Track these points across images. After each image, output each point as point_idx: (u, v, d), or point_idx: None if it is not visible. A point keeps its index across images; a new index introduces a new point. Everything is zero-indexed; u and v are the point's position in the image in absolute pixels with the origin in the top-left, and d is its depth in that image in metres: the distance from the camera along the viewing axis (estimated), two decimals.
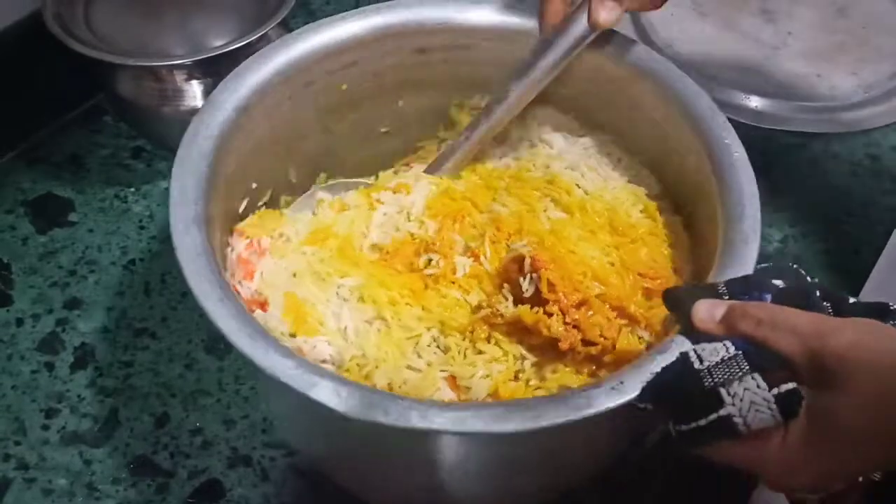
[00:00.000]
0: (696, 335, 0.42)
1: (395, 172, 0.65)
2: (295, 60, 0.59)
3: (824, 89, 0.87)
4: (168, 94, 0.73)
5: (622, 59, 0.59)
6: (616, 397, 0.42)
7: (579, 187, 0.60)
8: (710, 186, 0.53)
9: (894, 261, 0.69)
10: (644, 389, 0.42)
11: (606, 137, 0.63)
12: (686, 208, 0.59)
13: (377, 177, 0.65)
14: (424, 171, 0.62)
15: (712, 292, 0.43)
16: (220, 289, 0.46)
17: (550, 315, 0.51)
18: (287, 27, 0.75)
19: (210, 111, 0.55)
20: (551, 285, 0.51)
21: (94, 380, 0.65)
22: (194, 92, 0.73)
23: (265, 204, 0.61)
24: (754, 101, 0.86)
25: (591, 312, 0.51)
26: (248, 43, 0.70)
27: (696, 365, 0.40)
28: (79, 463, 0.61)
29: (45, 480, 0.60)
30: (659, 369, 0.42)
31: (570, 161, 0.61)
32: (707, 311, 0.42)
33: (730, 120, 0.81)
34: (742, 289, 0.43)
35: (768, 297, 0.42)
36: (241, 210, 0.59)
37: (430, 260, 0.56)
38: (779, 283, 0.43)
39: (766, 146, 0.83)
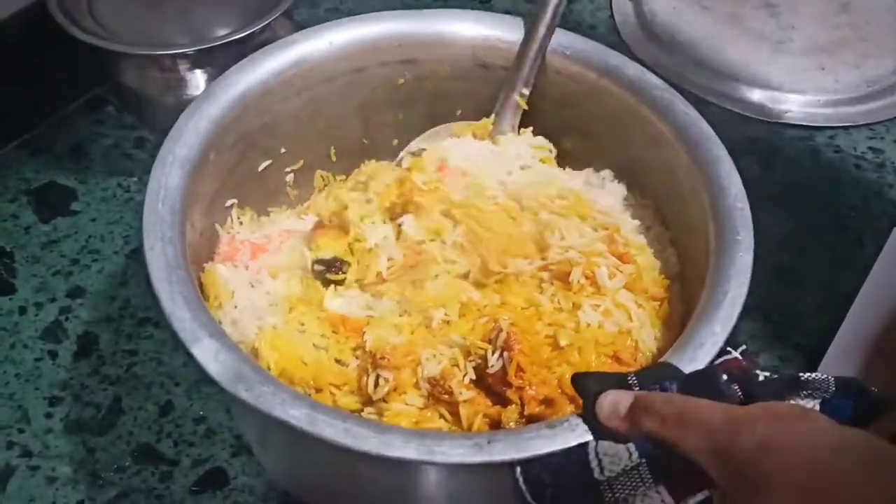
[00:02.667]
0: (598, 428, 0.40)
1: None
2: (349, 43, 0.60)
3: (828, 83, 0.87)
4: (171, 84, 0.73)
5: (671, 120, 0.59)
6: (474, 454, 0.41)
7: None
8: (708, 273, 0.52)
9: None
10: (527, 472, 0.40)
11: (645, 201, 0.63)
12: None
13: None
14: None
15: (621, 381, 0.41)
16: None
17: (507, 404, 0.49)
18: (290, 17, 0.75)
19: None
20: (520, 370, 0.49)
21: (98, 368, 0.65)
22: (197, 81, 0.73)
23: (296, 171, 0.63)
24: (757, 94, 0.87)
25: (552, 411, 0.49)
26: (252, 33, 0.70)
27: (597, 474, 0.38)
28: (82, 451, 0.61)
29: (48, 468, 0.60)
30: (546, 452, 0.40)
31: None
32: (611, 406, 0.40)
33: (733, 113, 0.82)
34: (650, 377, 0.41)
35: (673, 386, 0.40)
36: (260, 169, 0.61)
37: (378, 378, 0.51)
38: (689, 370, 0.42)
39: (769, 139, 0.83)
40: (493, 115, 0.64)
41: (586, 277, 0.55)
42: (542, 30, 0.61)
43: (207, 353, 0.43)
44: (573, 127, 0.64)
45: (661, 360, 0.47)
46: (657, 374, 0.42)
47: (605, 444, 0.39)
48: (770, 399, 0.38)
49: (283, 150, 0.62)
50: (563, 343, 0.50)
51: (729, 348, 0.49)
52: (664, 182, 0.60)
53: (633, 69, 0.61)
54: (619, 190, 0.63)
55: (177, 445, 0.61)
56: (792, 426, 0.33)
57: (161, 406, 0.63)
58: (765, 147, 0.82)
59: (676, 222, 0.61)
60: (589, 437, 0.40)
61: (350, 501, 0.55)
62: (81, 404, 0.63)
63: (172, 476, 0.60)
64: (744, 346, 0.49)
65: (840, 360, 0.66)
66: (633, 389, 0.41)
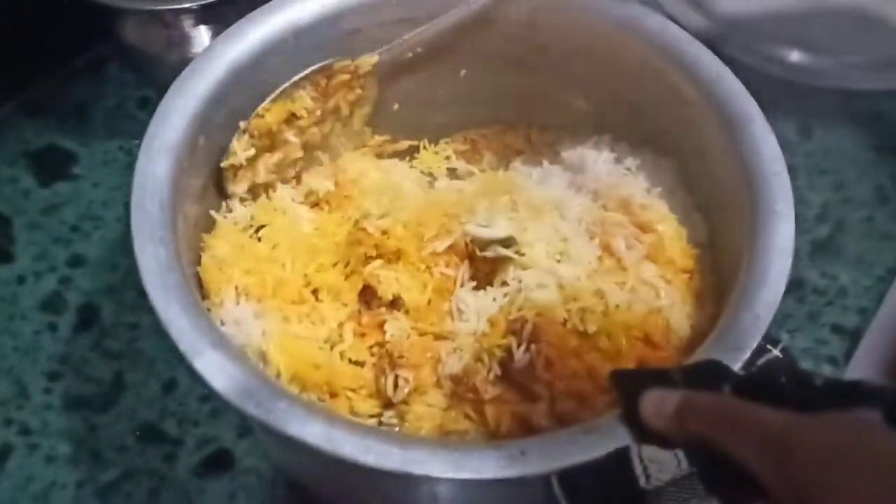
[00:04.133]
0: (640, 430, 0.37)
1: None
2: (345, 4, 0.56)
3: (873, 44, 0.82)
4: (175, 41, 0.69)
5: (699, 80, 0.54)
6: (506, 468, 0.38)
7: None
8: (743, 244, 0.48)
9: None
10: (564, 479, 0.37)
11: (667, 163, 0.58)
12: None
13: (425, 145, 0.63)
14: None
15: (665, 379, 0.38)
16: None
17: (536, 399, 0.46)
18: None
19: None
20: (549, 363, 0.46)
21: (99, 342, 0.63)
22: (202, 38, 0.69)
23: None
24: (795, 55, 0.82)
25: (583, 406, 0.46)
26: None
27: (643, 483, 0.35)
28: (83, 429, 0.59)
29: (48, 447, 0.58)
30: (586, 459, 0.37)
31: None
32: (656, 405, 0.37)
33: (768, 75, 0.78)
34: (699, 376, 0.38)
35: (726, 387, 0.37)
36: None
37: (397, 378, 0.48)
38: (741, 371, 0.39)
39: (806, 105, 0.78)
40: None
41: (603, 249, 0.52)
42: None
43: (212, 367, 0.40)
44: (585, 84, 0.60)
45: (701, 348, 0.44)
46: (705, 372, 0.38)
47: (651, 450, 0.36)
48: (829, 406, 0.35)
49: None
50: (591, 329, 0.47)
51: (768, 346, 0.46)
52: (688, 143, 0.56)
53: (653, 20, 0.56)
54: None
55: (181, 424, 0.59)
56: (853, 436, 0.31)
57: (164, 383, 0.61)
58: (802, 113, 0.78)
59: (703, 187, 0.56)
60: (629, 441, 0.37)
61: (364, 499, 0.53)
62: (82, 379, 0.61)
63: (176, 456, 0.58)
64: (783, 344, 0.45)
65: (879, 342, 0.63)
66: (678, 388, 0.37)
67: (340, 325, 0.50)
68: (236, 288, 0.50)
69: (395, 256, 0.51)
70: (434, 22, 0.57)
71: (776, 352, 0.45)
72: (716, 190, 0.54)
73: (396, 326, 0.49)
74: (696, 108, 0.54)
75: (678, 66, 0.54)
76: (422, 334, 0.49)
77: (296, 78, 0.56)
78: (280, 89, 0.55)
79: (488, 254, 0.50)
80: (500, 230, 0.50)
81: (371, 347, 0.49)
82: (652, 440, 0.37)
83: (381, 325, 0.49)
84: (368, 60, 0.57)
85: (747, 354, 0.42)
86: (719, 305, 0.49)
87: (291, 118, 0.56)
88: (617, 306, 0.49)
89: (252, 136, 0.55)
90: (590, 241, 0.53)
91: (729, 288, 0.48)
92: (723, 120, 0.52)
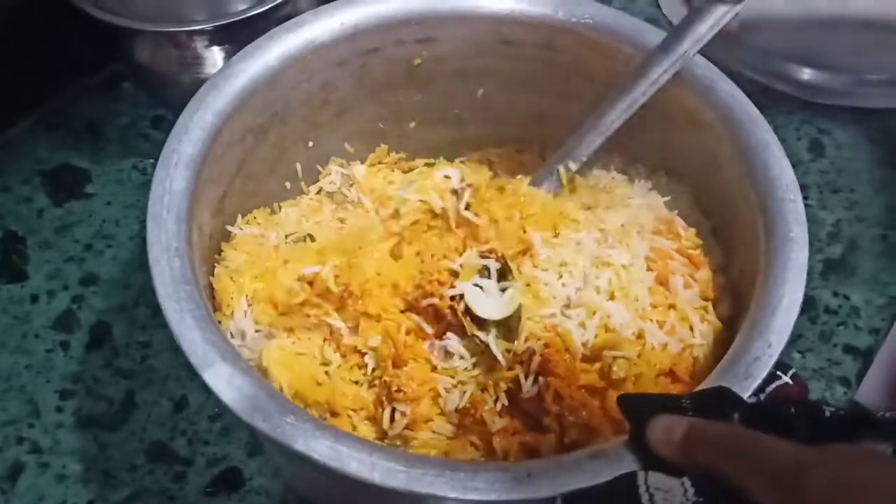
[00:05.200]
0: (648, 457, 0.37)
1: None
2: (362, 23, 0.56)
3: (883, 61, 0.82)
4: (188, 61, 0.70)
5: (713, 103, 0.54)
6: (512, 489, 0.38)
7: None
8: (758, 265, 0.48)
9: None
10: (567, 500, 0.37)
11: (683, 188, 0.58)
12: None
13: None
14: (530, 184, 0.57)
15: (674, 404, 0.38)
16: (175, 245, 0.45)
17: (545, 429, 0.46)
18: None
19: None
20: (557, 397, 0.45)
21: (111, 360, 0.63)
22: (215, 59, 0.70)
23: (309, 160, 0.61)
24: (806, 73, 0.81)
25: (592, 437, 0.45)
26: (273, 7, 0.67)
27: None
28: (94, 448, 0.59)
29: (58, 465, 0.58)
30: (592, 483, 0.37)
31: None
32: (664, 432, 0.37)
33: (782, 94, 0.77)
34: (708, 404, 0.38)
35: (735, 415, 0.37)
36: (272, 161, 0.59)
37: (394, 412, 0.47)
38: (751, 398, 0.39)
39: (820, 123, 0.78)
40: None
41: (660, 284, 0.51)
42: (622, 104, 0.54)
43: (221, 379, 0.41)
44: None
45: (713, 373, 0.43)
46: (715, 400, 0.38)
47: (657, 477, 0.35)
48: (840, 437, 0.35)
49: (294, 140, 0.59)
50: (616, 375, 0.46)
51: (779, 372, 0.45)
52: (704, 169, 0.56)
53: None
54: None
55: (191, 444, 0.59)
56: (864, 470, 0.31)
57: (175, 401, 0.61)
58: (815, 131, 0.77)
59: (718, 212, 0.57)
60: (636, 467, 0.37)
61: None
62: (94, 398, 0.61)
63: (186, 476, 0.58)
64: (793, 370, 0.45)
65: (892, 362, 0.62)
66: (687, 415, 0.37)
67: (322, 344, 0.50)
68: (247, 298, 0.51)
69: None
70: None
71: (786, 378, 0.45)
72: (730, 215, 0.54)
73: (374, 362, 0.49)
74: (711, 132, 0.54)
75: (694, 91, 0.55)
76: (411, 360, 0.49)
77: None
78: None
79: (479, 335, 0.48)
80: (502, 308, 0.48)
81: (362, 369, 0.49)
82: (659, 467, 0.36)
83: (360, 352, 0.49)
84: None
85: (758, 382, 0.42)
86: (732, 331, 0.48)
87: None
88: (653, 348, 0.49)
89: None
90: (647, 275, 0.52)
91: (742, 314, 0.48)
92: (738, 145, 0.52)
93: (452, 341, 0.49)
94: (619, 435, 0.44)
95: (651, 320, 0.49)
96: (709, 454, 0.34)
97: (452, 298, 0.48)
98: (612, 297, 0.50)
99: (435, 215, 0.52)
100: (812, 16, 0.86)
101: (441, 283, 0.49)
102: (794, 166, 0.73)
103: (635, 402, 0.40)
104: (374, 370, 0.49)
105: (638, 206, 0.55)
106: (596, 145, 0.56)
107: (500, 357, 0.47)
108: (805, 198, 0.71)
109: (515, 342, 0.48)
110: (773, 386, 0.47)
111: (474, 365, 0.48)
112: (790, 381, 0.49)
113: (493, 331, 0.48)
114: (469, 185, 0.51)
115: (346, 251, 0.51)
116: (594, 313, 0.49)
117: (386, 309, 0.49)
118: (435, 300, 0.49)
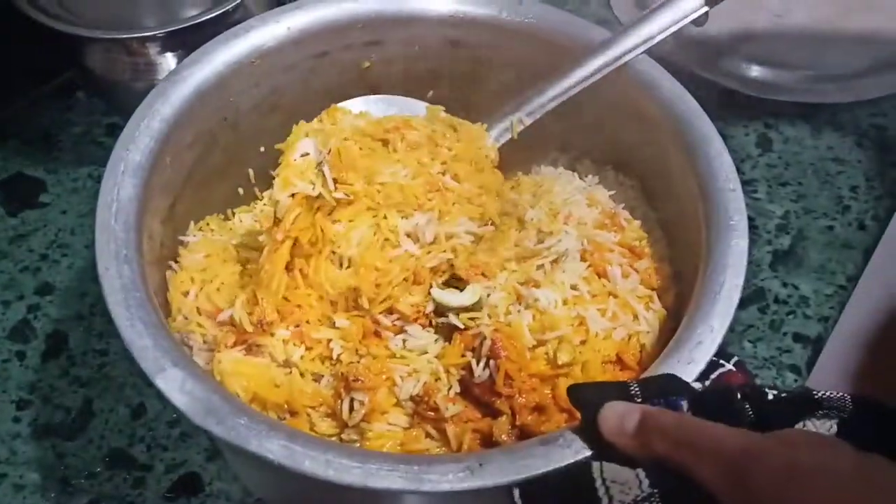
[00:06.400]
0: (600, 446, 0.38)
1: None
2: (309, 27, 0.57)
3: (830, 57, 0.84)
4: (141, 68, 0.70)
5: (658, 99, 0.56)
6: (464, 480, 0.38)
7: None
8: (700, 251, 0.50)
9: None
10: (527, 497, 0.38)
11: (630, 181, 0.60)
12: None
13: None
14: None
15: (623, 392, 0.39)
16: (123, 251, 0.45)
17: (497, 415, 0.46)
18: None
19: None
20: (508, 378, 0.46)
21: (68, 369, 0.63)
22: (168, 65, 0.70)
23: (261, 165, 0.60)
24: (755, 71, 0.83)
25: (544, 418, 0.47)
26: (225, 12, 0.67)
27: (605, 503, 0.36)
28: (51, 456, 0.59)
29: (16, 475, 0.58)
30: (540, 472, 0.38)
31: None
32: (617, 419, 0.37)
33: (731, 92, 0.79)
34: (656, 390, 0.39)
35: (683, 403, 0.38)
36: (222, 167, 0.58)
37: (352, 402, 0.48)
38: (696, 384, 0.40)
39: (768, 118, 0.80)
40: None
41: (598, 275, 0.53)
42: (591, 64, 0.56)
43: (173, 385, 0.41)
44: None
45: (657, 360, 0.44)
46: (663, 387, 0.39)
47: (613, 469, 0.36)
48: (784, 419, 0.36)
49: (245, 145, 0.59)
50: (562, 360, 0.47)
51: (721, 360, 0.47)
52: (650, 162, 0.57)
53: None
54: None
55: (150, 450, 0.59)
56: (812, 454, 0.32)
57: (133, 408, 0.61)
58: (763, 126, 0.79)
59: (663, 204, 0.58)
60: (587, 453, 0.38)
61: None
62: (51, 407, 0.61)
63: (145, 482, 0.58)
64: (736, 357, 0.46)
65: (841, 350, 0.64)
66: (635, 402, 0.38)
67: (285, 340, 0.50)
68: (198, 309, 0.51)
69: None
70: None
71: (730, 366, 0.46)
72: (675, 206, 0.55)
73: (341, 346, 0.49)
74: (657, 127, 0.55)
75: (640, 87, 0.56)
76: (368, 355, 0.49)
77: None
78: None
79: (442, 321, 0.50)
80: (467, 295, 0.50)
81: (323, 361, 0.50)
82: (612, 456, 0.37)
83: (326, 341, 0.50)
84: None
85: (702, 367, 0.43)
86: (677, 319, 0.50)
87: None
88: (596, 334, 0.50)
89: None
90: (578, 265, 0.53)
91: (686, 301, 0.49)
92: (681, 139, 0.54)
93: (412, 331, 0.50)
94: (570, 423, 0.45)
95: (593, 308, 0.50)
96: (663, 445, 0.35)
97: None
98: (536, 286, 0.51)
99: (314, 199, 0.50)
100: (759, 13, 0.88)
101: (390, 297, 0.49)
102: (742, 161, 0.76)
103: (585, 391, 0.41)
104: (340, 355, 0.49)
105: (577, 201, 0.56)
106: (551, 105, 0.56)
107: (459, 324, 0.48)
108: (754, 191, 0.75)
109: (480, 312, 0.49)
110: (715, 374, 0.48)
111: (435, 342, 0.49)
112: (733, 369, 0.50)
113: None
114: (328, 152, 0.49)
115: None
116: (518, 299, 0.50)
117: (320, 319, 0.50)
118: (399, 307, 0.50)
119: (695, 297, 0.47)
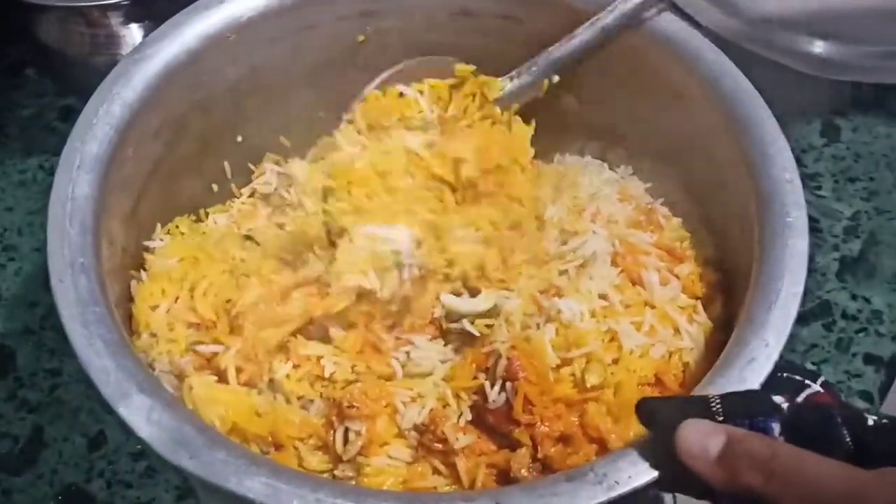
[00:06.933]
0: (675, 469, 0.37)
1: None
2: None
3: None
4: (101, 41, 0.72)
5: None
6: None
7: None
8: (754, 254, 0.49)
9: None
10: None
11: (668, 171, 0.60)
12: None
13: None
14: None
15: (703, 408, 0.38)
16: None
17: (516, 446, 0.46)
18: None
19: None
20: (528, 404, 0.46)
21: (15, 392, 0.63)
22: (133, 38, 0.71)
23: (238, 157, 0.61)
24: (818, 47, 0.83)
25: (570, 450, 0.46)
26: None
27: None
28: None
29: None
30: None
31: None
32: (699, 442, 0.36)
33: (789, 71, 0.79)
34: (742, 408, 0.38)
35: (775, 426, 0.37)
36: (194, 158, 0.58)
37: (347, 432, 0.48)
38: (781, 400, 0.39)
39: (833, 102, 0.80)
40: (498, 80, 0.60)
41: (632, 282, 0.53)
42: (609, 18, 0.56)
43: (138, 413, 0.41)
44: (576, 81, 0.61)
45: (704, 380, 0.44)
46: (749, 405, 0.38)
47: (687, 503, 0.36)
48: (885, 450, 0.36)
49: (220, 133, 0.59)
50: (591, 382, 0.47)
51: (807, 381, 0.46)
52: (692, 149, 0.57)
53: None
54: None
55: (110, 486, 0.60)
56: None
57: (91, 438, 0.61)
58: (827, 111, 0.79)
59: (708, 199, 0.58)
60: (658, 489, 0.37)
61: None
62: None
63: None
64: (823, 378, 0.46)
65: None
66: (717, 420, 0.38)
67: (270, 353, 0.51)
68: (168, 325, 0.51)
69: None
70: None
71: (817, 387, 0.46)
72: (722, 201, 0.55)
73: (334, 362, 0.49)
74: (699, 107, 0.55)
75: (677, 61, 0.56)
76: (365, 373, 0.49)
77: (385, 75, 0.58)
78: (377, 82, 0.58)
79: (454, 326, 0.50)
80: (481, 301, 0.50)
81: (312, 383, 0.50)
82: (688, 485, 0.37)
83: (316, 358, 0.50)
84: (498, 84, 0.59)
85: (756, 387, 0.43)
86: (726, 333, 0.50)
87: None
88: (631, 352, 0.50)
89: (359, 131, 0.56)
90: (609, 271, 0.53)
91: (737, 311, 0.49)
92: (729, 122, 0.53)
93: (419, 343, 0.50)
94: (601, 454, 0.45)
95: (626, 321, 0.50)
96: (751, 475, 0.35)
97: None
98: (559, 295, 0.51)
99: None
100: None
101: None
102: (804, 152, 0.76)
103: (658, 405, 0.40)
104: (332, 373, 0.49)
105: (606, 195, 0.56)
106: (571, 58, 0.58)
107: (473, 330, 0.48)
108: (818, 188, 0.75)
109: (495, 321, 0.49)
110: (802, 396, 0.48)
111: (443, 362, 0.50)
112: (821, 390, 0.50)
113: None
114: (420, 244, 0.51)
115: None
116: (538, 310, 0.51)
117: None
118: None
119: (746, 306, 0.47)
